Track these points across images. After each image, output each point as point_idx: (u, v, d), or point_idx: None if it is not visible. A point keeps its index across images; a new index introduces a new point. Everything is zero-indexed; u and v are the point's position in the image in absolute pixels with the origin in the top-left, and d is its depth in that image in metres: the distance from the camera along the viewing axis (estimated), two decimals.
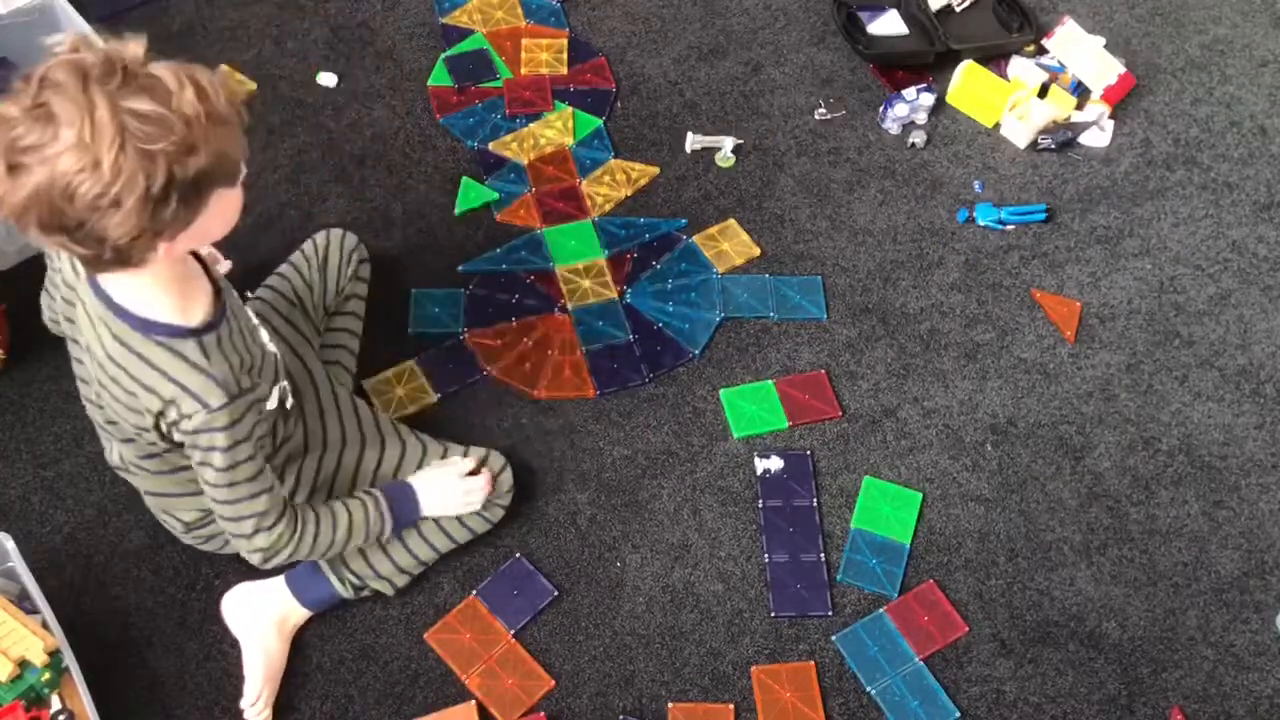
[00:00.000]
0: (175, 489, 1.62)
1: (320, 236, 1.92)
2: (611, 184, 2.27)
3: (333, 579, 1.72)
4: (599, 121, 2.35)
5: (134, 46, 1.16)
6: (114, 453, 1.65)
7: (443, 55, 2.43)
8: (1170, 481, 2.00)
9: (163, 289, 1.32)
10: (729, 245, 2.20)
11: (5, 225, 1.99)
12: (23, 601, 1.61)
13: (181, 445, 1.41)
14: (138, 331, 1.32)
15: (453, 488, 1.71)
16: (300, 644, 1.75)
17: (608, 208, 2.24)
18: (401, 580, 1.76)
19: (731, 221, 2.24)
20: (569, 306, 2.10)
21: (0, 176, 1.13)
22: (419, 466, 1.75)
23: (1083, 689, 1.79)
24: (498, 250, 2.15)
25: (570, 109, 2.36)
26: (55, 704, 1.53)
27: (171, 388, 1.33)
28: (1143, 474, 2.00)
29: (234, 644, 1.74)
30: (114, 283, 1.31)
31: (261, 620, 1.71)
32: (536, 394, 2.00)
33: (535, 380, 2.01)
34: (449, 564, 1.83)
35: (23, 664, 1.51)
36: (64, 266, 1.43)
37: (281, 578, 1.74)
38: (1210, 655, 1.83)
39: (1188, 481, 2.00)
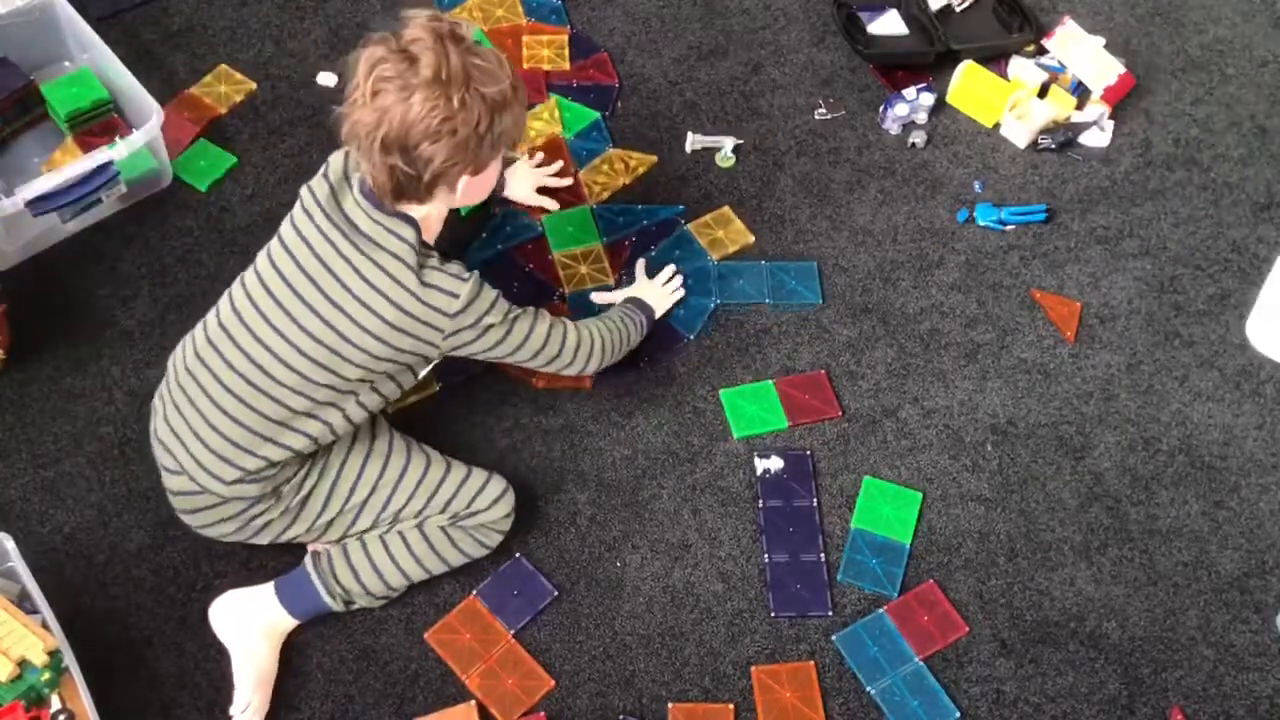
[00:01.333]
0: (277, 411, 1.62)
1: None
2: (610, 172, 2.28)
3: (322, 591, 1.71)
4: (597, 114, 2.36)
5: (469, 26, 1.51)
6: (216, 376, 1.63)
7: None
8: (1170, 481, 2.00)
9: (427, 222, 1.61)
10: (724, 232, 2.21)
11: (5, 225, 2.00)
12: (23, 601, 1.61)
13: (414, 357, 1.62)
14: (416, 251, 1.56)
15: (658, 289, 2.06)
16: (300, 644, 1.75)
17: (605, 195, 2.24)
18: (386, 598, 1.76)
19: (726, 208, 2.24)
20: (566, 293, 2.10)
21: (365, 97, 1.47)
22: (418, 482, 1.73)
23: (1083, 689, 1.79)
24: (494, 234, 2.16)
25: (555, 99, 2.36)
26: (55, 704, 1.53)
27: (436, 295, 1.57)
28: (1143, 474, 2.00)
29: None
30: (409, 212, 1.58)
31: (249, 628, 1.70)
32: (536, 383, 2.00)
33: (534, 374, 2.01)
34: None
35: (23, 664, 1.50)
36: (318, 196, 1.61)
37: (271, 586, 1.73)
38: (1210, 655, 1.83)
39: (1188, 481, 2.00)
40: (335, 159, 1.64)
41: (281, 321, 1.60)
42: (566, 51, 2.45)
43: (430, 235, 1.63)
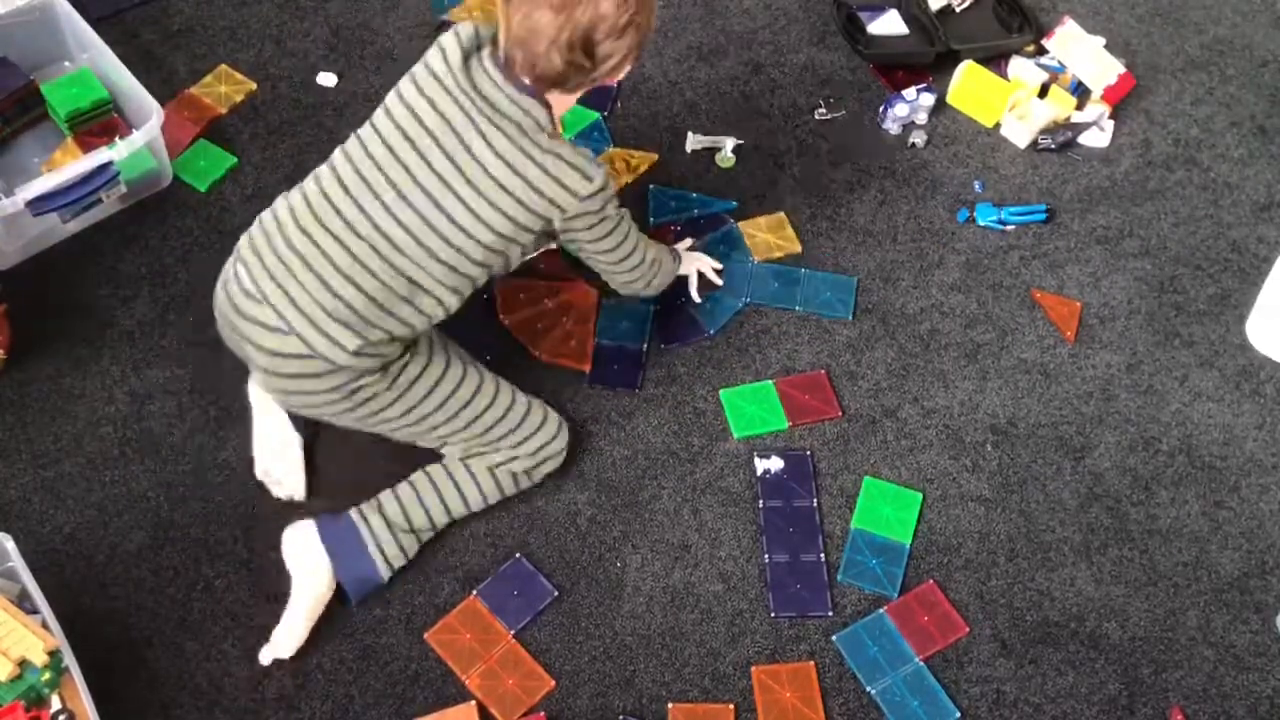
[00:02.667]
0: (389, 293, 1.64)
1: None
2: (610, 172, 2.28)
3: (371, 549, 1.75)
4: (597, 115, 2.36)
5: None
6: (349, 247, 1.63)
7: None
8: (1170, 481, 2.00)
9: (561, 105, 1.68)
10: (773, 237, 2.21)
11: (5, 225, 2.00)
12: (23, 601, 1.61)
13: (534, 233, 1.67)
14: (547, 133, 1.62)
15: (696, 258, 2.12)
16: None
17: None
18: (431, 532, 1.82)
19: (782, 214, 2.25)
20: (605, 296, 2.11)
21: (558, 7, 1.53)
22: (501, 416, 1.79)
23: (1083, 689, 1.79)
24: None
25: None
26: (55, 704, 1.53)
27: (570, 173, 1.62)
28: (1143, 474, 2.00)
29: (234, 643, 1.74)
30: (548, 97, 1.64)
31: (315, 561, 1.74)
32: (536, 354, 2.02)
33: (540, 342, 2.03)
34: (449, 564, 1.83)
35: (23, 664, 1.50)
36: (450, 64, 1.63)
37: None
38: (1210, 655, 1.83)
39: (1188, 481, 2.00)
40: (464, 29, 1.65)
41: (410, 190, 1.61)
42: None
43: (558, 121, 1.68)
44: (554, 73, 1.58)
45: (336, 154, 1.68)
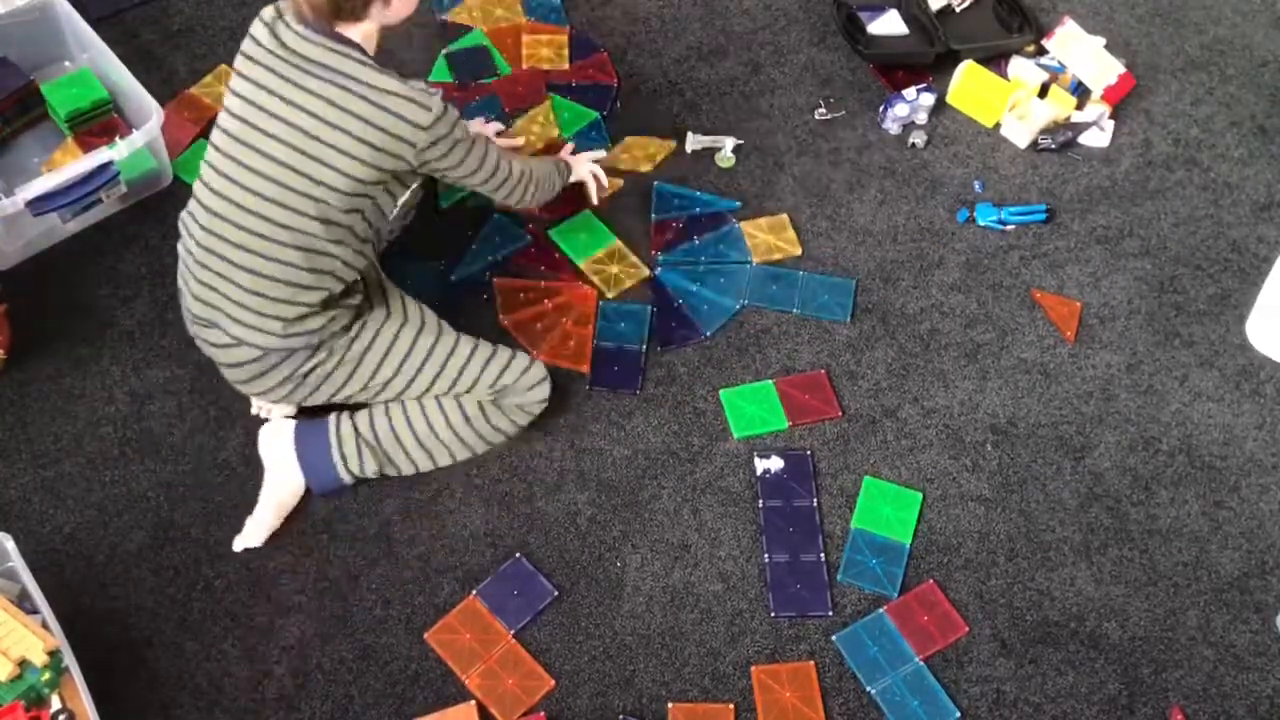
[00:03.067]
0: (285, 271, 1.70)
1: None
2: (630, 159, 2.31)
3: (334, 445, 1.83)
4: (596, 114, 2.36)
5: None
6: (222, 238, 1.70)
7: (443, 52, 2.43)
8: (1170, 481, 2.00)
9: (367, 40, 1.68)
10: (774, 238, 2.21)
11: (5, 225, 2.00)
12: (23, 601, 1.61)
13: (388, 175, 1.69)
14: (369, 67, 1.62)
15: (585, 163, 2.13)
16: (300, 644, 1.75)
17: (622, 182, 2.29)
18: (395, 467, 1.87)
19: (784, 216, 2.25)
20: (608, 295, 2.12)
21: None
22: (468, 357, 1.83)
23: (1083, 689, 1.79)
24: (482, 245, 2.17)
25: (550, 101, 2.36)
26: (55, 704, 1.53)
27: (407, 105, 1.62)
28: (1143, 474, 2.00)
29: (234, 643, 1.74)
30: (348, 34, 1.65)
31: (287, 457, 1.84)
32: (536, 355, 2.02)
33: (539, 343, 2.03)
34: (449, 564, 1.83)
35: (23, 664, 1.50)
36: (259, 40, 1.67)
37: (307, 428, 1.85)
38: (1210, 655, 1.83)
39: (1188, 481, 2.00)
40: (265, 10, 1.69)
41: (264, 165, 1.65)
42: (566, 51, 2.45)
43: (372, 47, 1.70)
44: (325, 4, 1.60)
45: (201, 166, 1.74)
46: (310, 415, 1.88)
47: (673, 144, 2.33)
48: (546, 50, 2.45)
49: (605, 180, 2.16)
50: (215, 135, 1.71)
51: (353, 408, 1.87)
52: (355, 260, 1.75)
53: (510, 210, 2.09)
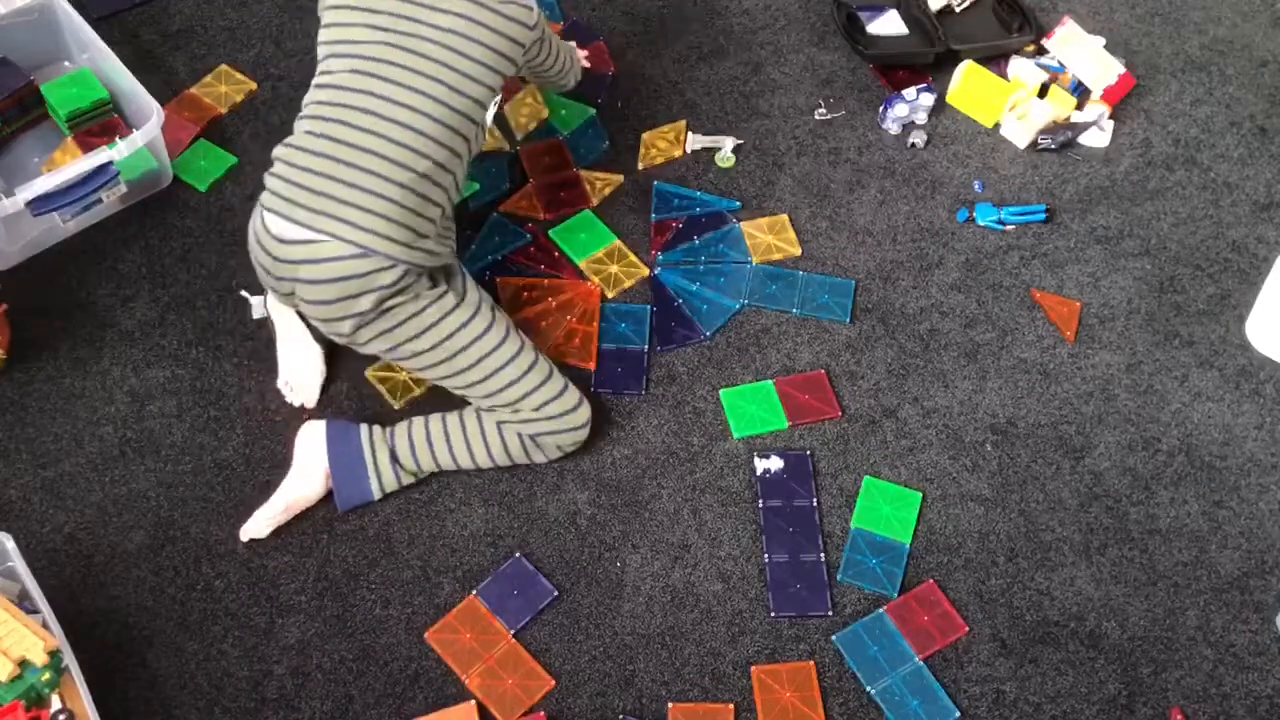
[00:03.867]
0: (406, 185, 1.75)
1: None
2: (661, 146, 2.32)
3: (370, 479, 1.85)
4: (592, 111, 2.36)
5: None
6: (347, 160, 1.75)
7: None
8: (1170, 481, 2.00)
9: None
10: (774, 239, 2.21)
11: (5, 225, 2.00)
12: (23, 601, 1.61)
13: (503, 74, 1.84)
14: None
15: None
16: (300, 644, 1.75)
17: (660, 161, 2.31)
18: (424, 471, 1.90)
19: (784, 217, 2.25)
20: (608, 294, 2.12)
21: None
22: (523, 374, 1.84)
23: (1083, 689, 1.79)
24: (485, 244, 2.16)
25: (533, 85, 2.37)
26: (55, 704, 1.53)
27: (514, 8, 1.83)
28: (1143, 474, 2.00)
29: (234, 643, 1.74)
30: None
31: (317, 462, 1.84)
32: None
33: (544, 342, 2.04)
34: (449, 564, 1.83)
35: (23, 664, 1.51)
36: None
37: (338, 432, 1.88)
38: (1210, 655, 1.83)
39: (1188, 481, 2.00)
40: None
41: (394, 73, 1.76)
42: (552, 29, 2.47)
43: None
44: None
45: (313, 90, 1.81)
46: (339, 422, 1.89)
47: (683, 122, 2.35)
48: None
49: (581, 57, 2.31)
50: (342, 53, 1.79)
51: (385, 422, 1.89)
52: (461, 185, 1.86)
53: (566, 90, 2.22)
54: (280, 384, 1.97)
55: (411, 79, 1.75)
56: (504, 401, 1.84)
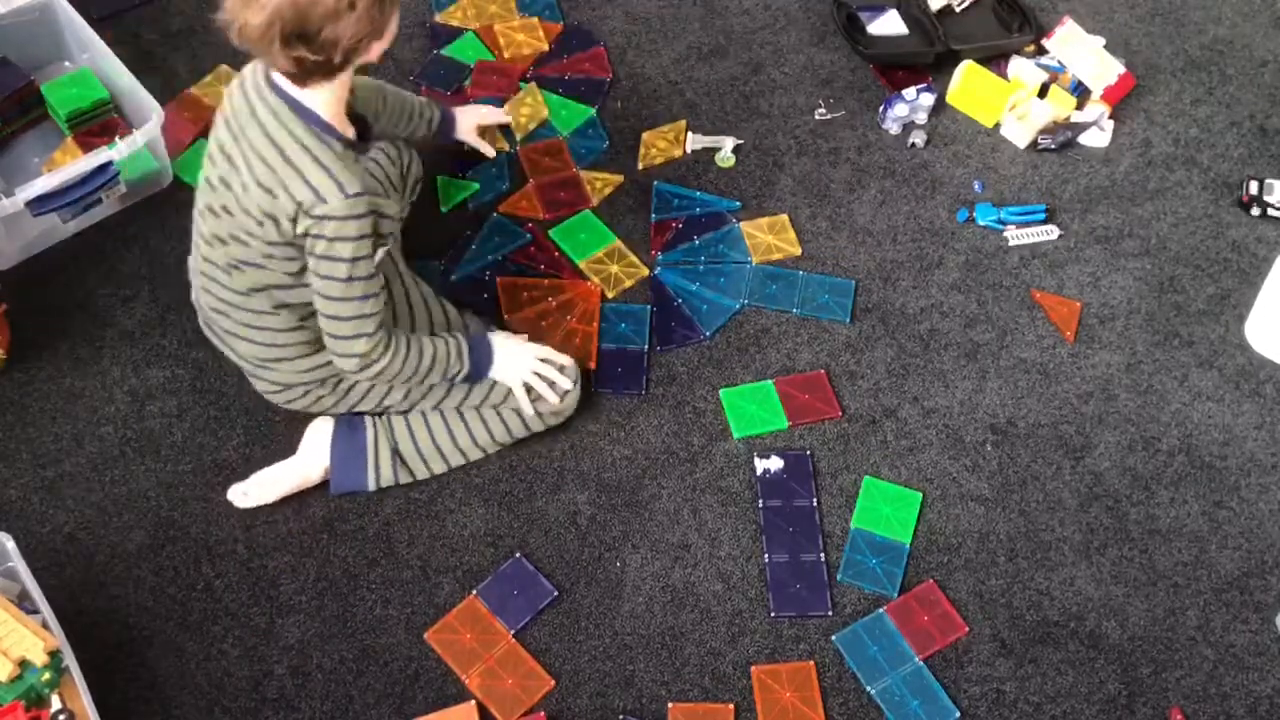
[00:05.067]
0: (275, 318, 1.71)
1: (393, 148, 2.00)
2: (661, 146, 2.32)
3: (369, 473, 1.85)
4: (592, 111, 2.36)
5: None
6: (215, 293, 1.73)
7: (433, 54, 2.43)
8: (1170, 481, 2.00)
9: (331, 103, 1.56)
10: (774, 239, 2.21)
11: (5, 225, 2.00)
12: (23, 601, 1.61)
13: (301, 247, 1.59)
14: (302, 121, 1.54)
15: (525, 361, 1.84)
16: (300, 644, 1.75)
17: (660, 161, 2.31)
18: (440, 466, 1.89)
19: (784, 216, 2.25)
20: (608, 294, 2.12)
21: (239, 6, 1.46)
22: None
23: (1083, 689, 1.79)
24: (482, 245, 2.17)
25: (534, 84, 2.37)
26: (55, 704, 1.53)
27: (319, 173, 1.52)
28: (1143, 474, 2.00)
29: (234, 643, 1.74)
30: (298, 90, 1.54)
31: (320, 454, 1.85)
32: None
33: (545, 341, 2.02)
34: (449, 564, 1.83)
35: (23, 664, 1.51)
36: (235, 94, 1.63)
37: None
38: (1210, 655, 1.83)
39: (1188, 481, 2.00)
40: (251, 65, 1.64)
41: (215, 200, 1.64)
42: (541, 32, 2.46)
43: (336, 112, 1.58)
44: (293, 71, 1.49)
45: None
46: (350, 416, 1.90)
47: (683, 122, 2.35)
48: (521, 35, 2.46)
49: (502, 118, 2.24)
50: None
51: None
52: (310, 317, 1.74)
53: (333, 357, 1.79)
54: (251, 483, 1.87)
55: (220, 200, 1.62)
56: (495, 401, 1.87)
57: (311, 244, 1.57)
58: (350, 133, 1.62)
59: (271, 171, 1.54)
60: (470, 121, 2.18)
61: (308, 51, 1.45)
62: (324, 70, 1.50)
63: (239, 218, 1.59)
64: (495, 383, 1.85)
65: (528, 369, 1.84)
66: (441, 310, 1.91)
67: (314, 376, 1.79)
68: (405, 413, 1.88)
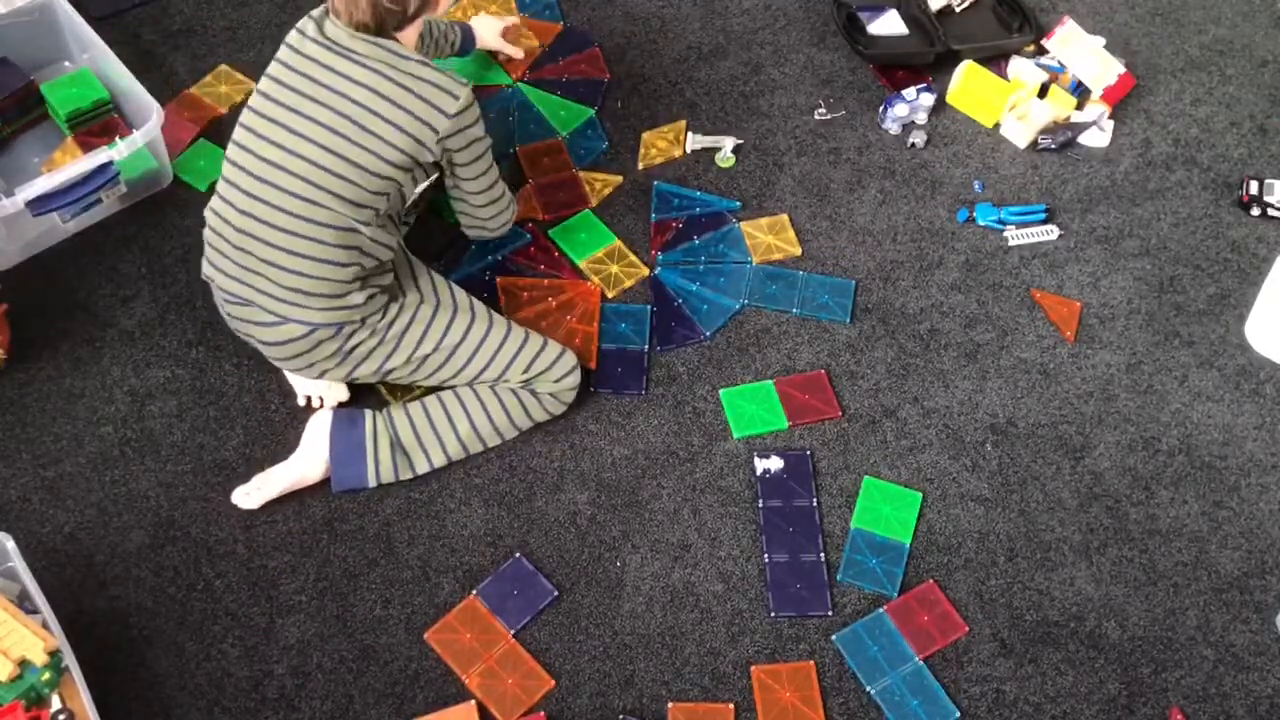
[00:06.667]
0: (320, 253, 1.75)
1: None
2: (660, 146, 2.32)
3: (369, 466, 1.86)
4: (591, 111, 2.36)
5: None
6: (258, 237, 1.76)
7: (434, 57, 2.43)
8: (1170, 481, 2.00)
9: (412, 42, 1.80)
10: (774, 239, 2.21)
11: (5, 225, 2.00)
12: (23, 601, 1.61)
13: (416, 165, 1.77)
14: (402, 56, 1.72)
15: (496, 26, 2.32)
16: (300, 644, 1.75)
17: (659, 161, 2.31)
18: (440, 458, 1.90)
19: (784, 216, 2.25)
20: (608, 294, 2.12)
21: None
22: (500, 344, 1.89)
23: (1083, 689, 1.79)
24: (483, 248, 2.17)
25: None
26: (55, 704, 1.53)
27: (437, 86, 1.72)
28: (1143, 474, 2.00)
29: (234, 643, 1.74)
30: (384, 40, 1.73)
31: (321, 449, 1.86)
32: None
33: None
34: (449, 564, 1.83)
35: (23, 664, 1.51)
36: (295, 47, 1.75)
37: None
38: (1210, 655, 1.83)
39: (1188, 481, 2.00)
40: (314, 10, 1.78)
41: (301, 146, 1.71)
42: (512, 4, 2.51)
43: (411, 46, 1.80)
44: (370, 21, 1.70)
45: (230, 149, 1.78)
46: (350, 409, 1.92)
47: (683, 122, 2.35)
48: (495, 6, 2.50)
49: (520, 41, 2.35)
50: (250, 121, 1.76)
51: (390, 399, 1.92)
52: (383, 237, 1.80)
53: (482, 234, 2.01)
54: (301, 401, 1.97)
55: (307, 149, 1.71)
56: (491, 378, 1.89)
57: (459, 141, 1.78)
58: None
59: (396, 106, 1.70)
60: (491, 30, 2.35)
61: (391, 1, 1.67)
62: (397, 20, 1.72)
63: (339, 168, 1.70)
64: (496, 353, 1.87)
65: (500, 38, 2.30)
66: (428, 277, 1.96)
67: (328, 318, 1.79)
68: (405, 385, 1.90)
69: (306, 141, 1.71)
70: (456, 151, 1.80)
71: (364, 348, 1.84)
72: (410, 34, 1.78)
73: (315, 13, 1.77)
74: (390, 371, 1.88)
